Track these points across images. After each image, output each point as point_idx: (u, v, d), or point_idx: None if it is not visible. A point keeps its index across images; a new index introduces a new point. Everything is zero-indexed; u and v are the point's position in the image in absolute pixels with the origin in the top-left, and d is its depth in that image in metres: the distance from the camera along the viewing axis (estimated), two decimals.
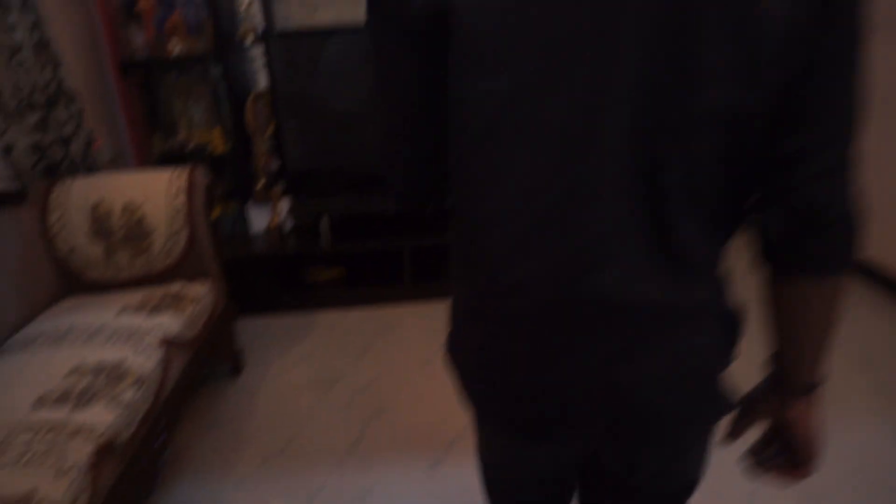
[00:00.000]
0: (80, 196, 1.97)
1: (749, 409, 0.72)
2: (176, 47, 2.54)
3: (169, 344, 1.69)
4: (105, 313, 1.77)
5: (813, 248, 0.58)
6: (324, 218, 2.71)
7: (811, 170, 0.55)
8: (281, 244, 2.77)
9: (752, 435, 0.74)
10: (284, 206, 2.80)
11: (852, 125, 0.55)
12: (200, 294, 1.98)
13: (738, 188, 0.58)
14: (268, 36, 2.65)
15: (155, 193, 1.98)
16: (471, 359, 0.70)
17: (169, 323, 1.75)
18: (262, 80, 2.79)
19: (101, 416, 1.32)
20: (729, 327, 0.65)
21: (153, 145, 2.73)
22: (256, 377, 2.26)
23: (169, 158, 2.73)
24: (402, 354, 2.35)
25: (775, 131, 0.54)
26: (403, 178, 0.70)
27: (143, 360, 1.55)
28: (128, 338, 1.62)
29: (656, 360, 0.60)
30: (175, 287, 1.97)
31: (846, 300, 0.62)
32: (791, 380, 0.67)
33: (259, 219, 2.85)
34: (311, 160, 2.79)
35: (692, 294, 0.60)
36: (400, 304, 2.72)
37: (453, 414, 1.90)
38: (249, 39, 2.67)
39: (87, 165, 2.18)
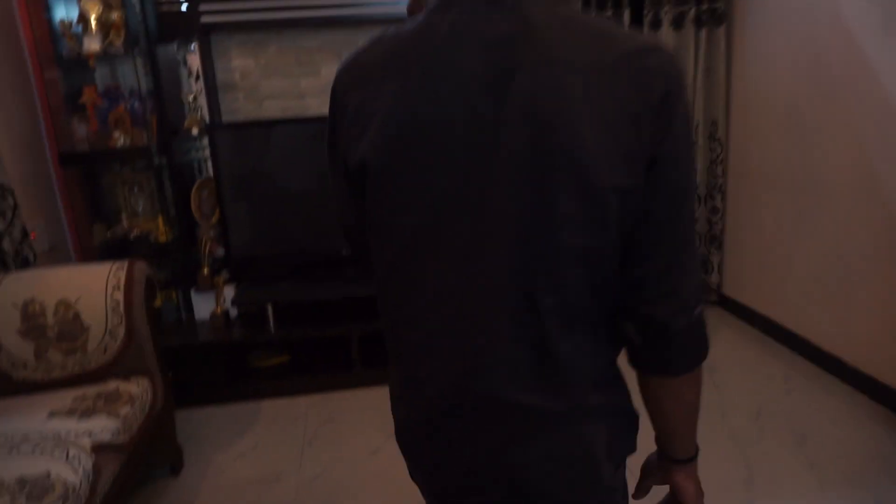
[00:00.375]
0: (10, 293, 1.91)
1: (646, 473, 0.87)
2: (120, 139, 2.55)
3: (101, 450, 1.62)
4: (32, 418, 1.69)
5: (660, 355, 0.70)
6: (269, 304, 2.69)
7: (653, 293, 0.67)
8: (226, 332, 2.73)
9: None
10: (229, 292, 2.77)
11: (683, 258, 0.67)
12: (138, 392, 1.91)
13: (606, 309, 0.69)
14: (214, 127, 2.71)
15: (91, 289, 1.94)
16: (400, 437, 0.82)
17: (102, 427, 1.68)
18: (207, 169, 2.81)
19: None
20: (618, 425, 0.75)
21: (94, 235, 2.69)
22: (197, 475, 2.17)
23: (110, 247, 2.69)
24: (350, 443, 2.30)
25: (624, 264, 0.66)
26: (364, 261, 0.82)
27: (71, 472, 1.47)
28: (55, 446, 1.54)
29: (543, 449, 0.71)
30: (111, 386, 1.90)
31: (697, 392, 0.75)
32: (667, 453, 0.81)
33: (203, 306, 2.80)
34: (257, 247, 2.80)
35: (574, 399, 0.70)
36: (348, 390, 2.68)
37: None
38: (195, 130, 2.71)
39: (22, 260, 2.13)
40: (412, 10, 0.80)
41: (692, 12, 2.88)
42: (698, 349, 0.71)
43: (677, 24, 2.90)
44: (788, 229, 2.72)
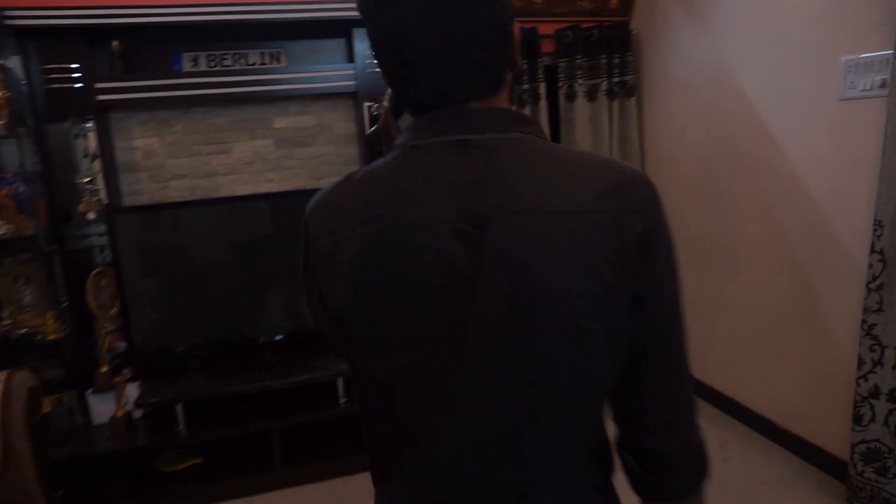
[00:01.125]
0: None
1: None
2: (2, 228, 2.29)
3: None
4: None
5: (659, 483, 0.70)
6: (179, 404, 2.43)
7: (650, 426, 0.68)
8: (128, 437, 2.44)
9: None
10: (132, 392, 2.50)
11: (678, 388, 0.68)
12: None
13: (593, 447, 0.68)
14: (113, 210, 2.49)
15: None
16: None
17: None
18: (106, 256, 2.57)
19: None
20: None
21: None
22: None
23: None
24: None
25: (618, 399, 0.68)
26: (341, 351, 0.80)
27: None
28: None
29: None
30: None
31: None
32: None
33: (102, 409, 2.50)
34: (164, 339, 2.56)
35: None
36: (270, 493, 2.43)
37: None
38: (92, 214, 2.48)
39: None
40: (384, 128, 0.79)
41: (605, 84, 2.97)
42: (700, 473, 0.70)
43: (591, 96, 2.98)
44: (708, 292, 2.77)
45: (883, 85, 1.87)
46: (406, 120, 0.73)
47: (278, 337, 2.65)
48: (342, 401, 2.57)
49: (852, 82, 1.98)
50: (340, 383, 2.55)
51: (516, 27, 0.67)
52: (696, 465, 0.70)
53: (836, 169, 2.08)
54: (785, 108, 2.27)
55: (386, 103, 0.79)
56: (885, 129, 1.80)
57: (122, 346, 2.57)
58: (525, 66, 2.92)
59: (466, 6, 0.61)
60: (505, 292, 0.60)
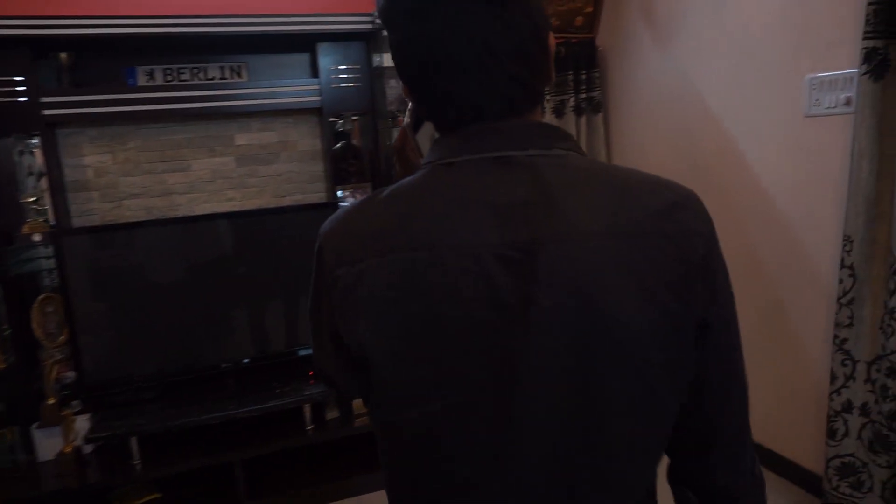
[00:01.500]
0: None
1: None
2: None
3: None
4: None
5: None
6: (133, 437, 2.29)
7: (714, 461, 0.65)
8: (77, 474, 2.27)
9: None
10: (82, 426, 2.34)
11: (740, 422, 0.65)
12: None
13: (649, 487, 0.64)
14: (61, 232, 2.35)
15: None
16: None
17: None
18: (54, 280, 2.41)
19: None
20: None
21: None
22: None
23: None
24: None
25: (680, 434, 0.63)
26: (343, 396, 0.69)
27: None
28: None
29: None
30: None
31: None
32: None
33: (48, 444, 2.33)
34: (117, 368, 2.41)
35: None
36: None
37: None
38: (38, 237, 2.33)
39: None
40: (401, 146, 0.73)
41: (572, 101, 2.97)
42: (762, 503, 0.69)
43: (558, 112, 2.98)
44: None
45: (847, 102, 1.90)
46: (424, 138, 0.67)
47: (245, 360, 2.53)
48: (309, 427, 2.46)
49: (817, 100, 2.01)
50: (307, 409, 2.45)
51: (552, 39, 0.62)
52: (759, 498, 0.68)
53: (804, 185, 2.11)
54: (751, 125, 2.29)
55: (407, 119, 0.73)
56: (851, 145, 1.82)
57: (70, 376, 2.42)
58: None
59: (506, 16, 0.56)
60: (563, 325, 0.54)
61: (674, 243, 0.56)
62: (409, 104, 0.69)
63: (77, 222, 2.52)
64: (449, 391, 0.57)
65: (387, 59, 2.63)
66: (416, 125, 0.72)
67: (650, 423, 0.59)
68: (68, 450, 2.32)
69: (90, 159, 2.51)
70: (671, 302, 0.55)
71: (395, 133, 2.69)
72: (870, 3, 1.71)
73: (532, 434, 0.57)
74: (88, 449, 2.39)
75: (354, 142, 2.75)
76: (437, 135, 0.64)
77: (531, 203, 0.55)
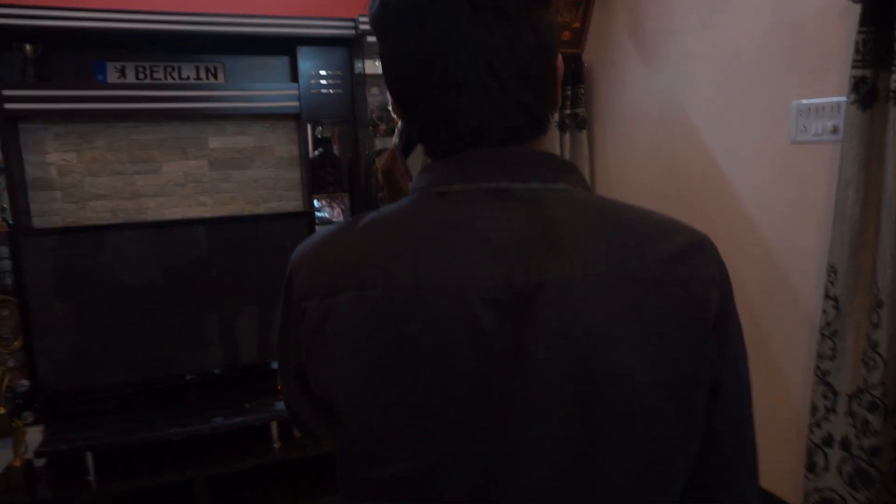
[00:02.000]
0: None
1: None
2: None
3: None
4: None
5: None
6: (89, 451, 2.18)
7: (727, 497, 0.60)
8: (27, 490, 2.16)
9: None
10: (34, 438, 2.22)
11: (750, 477, 0.62)
12: None
13: None
14: (19, 233, 2.23)
15: None
16: None
17: None
18: (8, 283, 2.29)
19: None
20: None
21: None
22: None
23: None
24: None
25: (688, 490, 0.57)
26: (311, 435, 0.69)
27: None
28: None
29: None
30: None
31: None
32: None
33: None
34: (74, 377, 2.30)
35: None
36: None
37: None
38: None
39: None
40: (389, 169, 0.67)
41: (556, 116, 2.93)
42: None
43: None
44: None
45: (834, 130, 1.88)
46: (416, 161, 0.61)
47: (217, 370, 2.44)
48: (276, 444, 2.37)
49: (804, 126, 1.99)
50: (275, 426, 2.36)
51: (560, 60, 0.56)
52: None
53: (788, 212, 2.08)
54: (737, 149, 2.27)
55: (396, 139, 0.65)
56: (838, 174, 1.80)
57: (24, 384, 2.30)
58: None
59: (511, 31, 0.50)
60: (561, 379, 0.49)
61: (686, 292, 0.51)
62: (399, 123, 0.62)
63: (38, 223, 2.40)
64: (428, 448, 0.52)
65: (369, 67, 2.56)
66: (406, 148, 0.65)
67: (655, 490, 0.53)
68: (18, 463, 2.21)
69: (54, 157, 2.39)
70: (682, 358, 0.51)
71: (380, 148, 2.62)
72: (859, 32, 1.69)
73: (524, 493, 0.52)
74: (40, 463, 2.27)
75: (334, 150, 2.68)
76: (429, 160, 0.58)
77: (530, 242, 0.50)
